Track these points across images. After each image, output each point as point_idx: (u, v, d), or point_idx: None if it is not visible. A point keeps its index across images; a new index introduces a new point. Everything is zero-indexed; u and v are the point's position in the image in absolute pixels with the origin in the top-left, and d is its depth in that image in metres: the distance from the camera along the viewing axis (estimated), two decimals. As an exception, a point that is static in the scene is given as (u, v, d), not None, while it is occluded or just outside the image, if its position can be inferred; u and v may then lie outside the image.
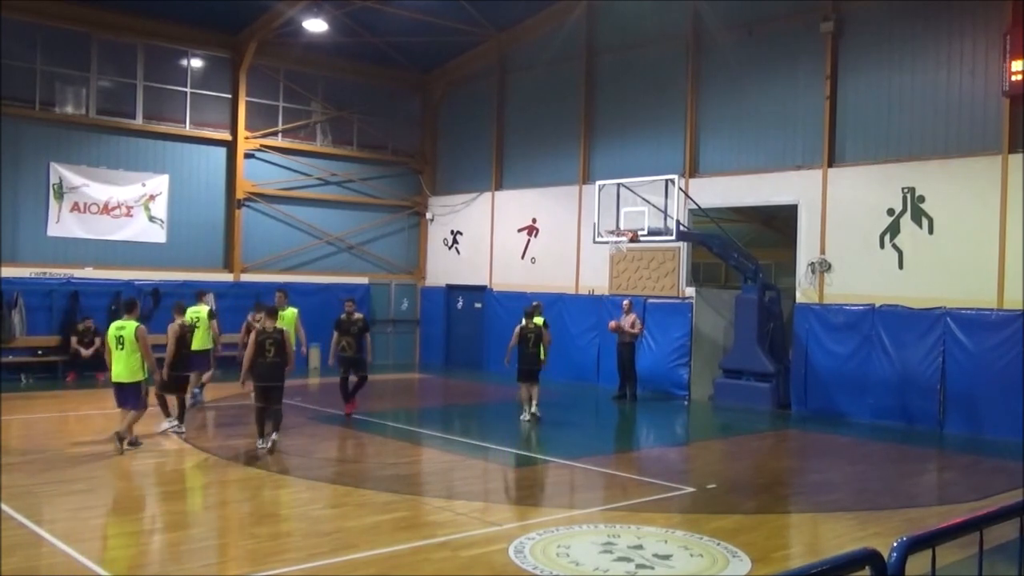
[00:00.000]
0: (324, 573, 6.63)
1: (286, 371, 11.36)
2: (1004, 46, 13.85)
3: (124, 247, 19.45)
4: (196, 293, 15.34)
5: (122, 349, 10.72)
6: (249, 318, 14.63)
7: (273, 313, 11.62)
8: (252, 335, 11.36)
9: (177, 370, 12.30)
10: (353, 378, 14.02)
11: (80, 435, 12.11)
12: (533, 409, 14.25)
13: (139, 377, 10.79)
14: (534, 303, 15.85)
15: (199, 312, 14.44)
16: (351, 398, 14.03)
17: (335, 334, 13.84)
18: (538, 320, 14.71)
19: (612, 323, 17.44)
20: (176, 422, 12.23)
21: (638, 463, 12.08)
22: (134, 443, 11.03)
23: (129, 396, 10.80)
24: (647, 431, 15.64)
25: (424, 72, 23.97)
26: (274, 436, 11.15)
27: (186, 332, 12.55)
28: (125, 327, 10.81)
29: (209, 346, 14.52)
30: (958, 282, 14.39)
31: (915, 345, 14.68)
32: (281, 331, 11.29)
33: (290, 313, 13.71)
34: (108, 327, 11.34)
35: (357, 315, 14.02)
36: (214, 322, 14.63)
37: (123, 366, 10.73)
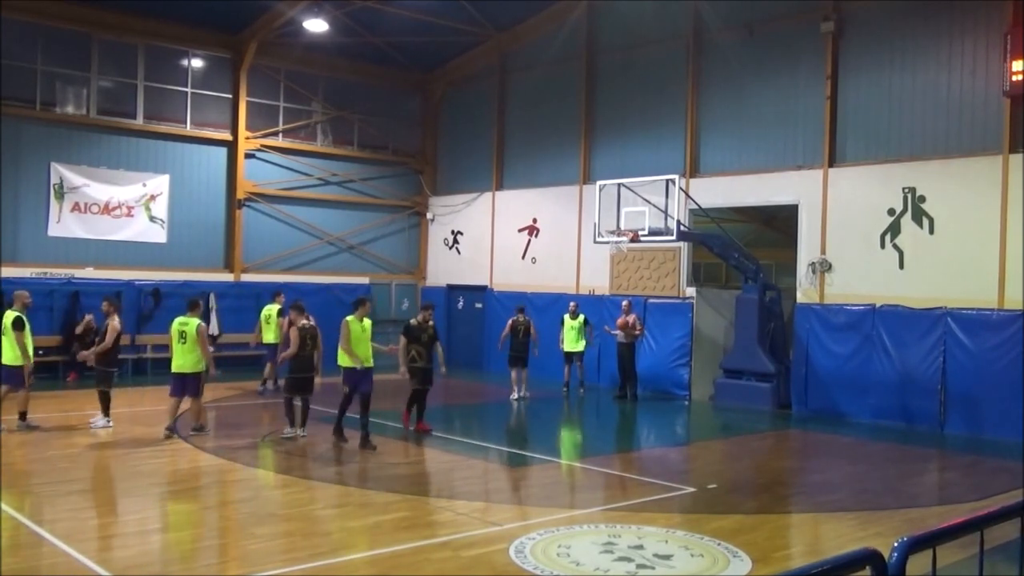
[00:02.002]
0: (325, 573, 6.62)
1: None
2: (1004, 46, 13.85)
3: (125, 247, 19.45)
4: (272, 293, 17.34)
5: (184, 343, 11.81)
6: (291, 316, 14.67)
7: (300, 310, 12.34)
8: (293, 330, 12.07)
9: (111, 365, 12.57)
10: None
11: (81, 435, 12.10)
12: (523, 392, 16.47)
13: (199, 368, 11.93)
14: (572, 304, 17.82)
15: (271, 310, 16.55)
16: (421, 417, 13.02)
17: (403, 341, 12.81)
18: (574, 321, 17.23)
19: (619, 320, 17.31)
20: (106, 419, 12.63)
21: (639, 463, 12.08)
22: (200, 429, 12.14)
23: (190, 385, 11.93)
24: (648, 431, 15.64)
25: (424, 72, 23.97)
26: (302, 432, 12.11)
27: (119, 329, 12.57)
28: (188, 323, 11.86)
29: (278, 341, 15.79)
30: (959, 282, 14.39)
31: (916, 345, 14.67)
32: (316, 327, 12.27)
33: (368, 323, 13.26)
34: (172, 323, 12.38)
35: (431, 322, 13.08)
36: (282, 319, 15.71)
37: (186, 359, 11.85)
